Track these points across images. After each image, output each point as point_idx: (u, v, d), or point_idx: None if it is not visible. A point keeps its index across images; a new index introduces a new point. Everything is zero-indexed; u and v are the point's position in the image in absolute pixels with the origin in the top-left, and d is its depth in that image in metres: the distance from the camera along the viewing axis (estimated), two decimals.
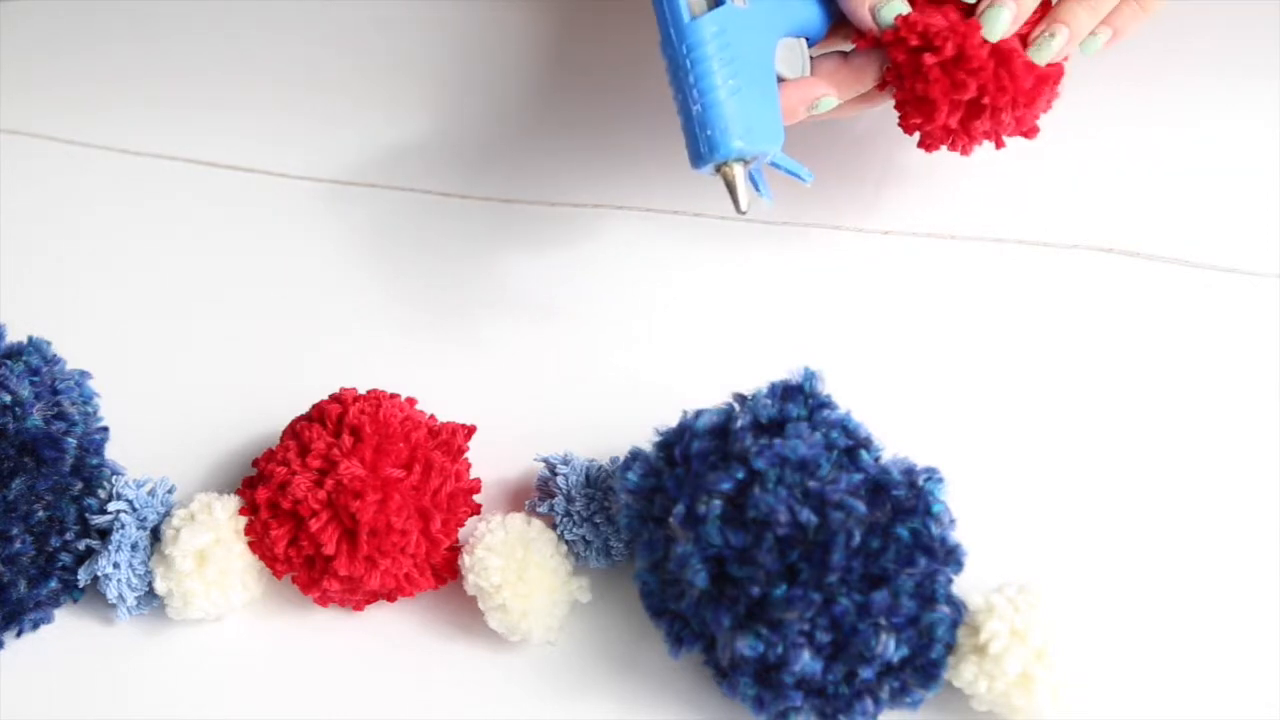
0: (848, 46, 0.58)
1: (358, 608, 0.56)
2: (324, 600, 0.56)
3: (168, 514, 0.57)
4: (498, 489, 0.59)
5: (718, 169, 0.53)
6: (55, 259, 0.68)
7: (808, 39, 0.57)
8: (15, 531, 0.55)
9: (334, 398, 0.57)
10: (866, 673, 0.50)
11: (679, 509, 0.51)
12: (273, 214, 0.69)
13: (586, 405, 0.60)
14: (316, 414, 0.57)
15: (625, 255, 0.65)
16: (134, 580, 0.56)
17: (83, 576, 0.56)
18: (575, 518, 0.56)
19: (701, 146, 0.53)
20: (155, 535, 0.56)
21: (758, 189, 0.56)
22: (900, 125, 0.58)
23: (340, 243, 0.67)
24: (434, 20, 0.75)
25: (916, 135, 0.58)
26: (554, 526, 0.56)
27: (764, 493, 0.49)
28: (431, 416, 0.58)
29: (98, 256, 0.68)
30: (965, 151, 0.59)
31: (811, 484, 0.50)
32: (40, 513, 0.56)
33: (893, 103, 0.58)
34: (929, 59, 0.55)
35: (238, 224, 0.68)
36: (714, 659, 0.52)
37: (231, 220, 0.69)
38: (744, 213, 0.53)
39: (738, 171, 0.53)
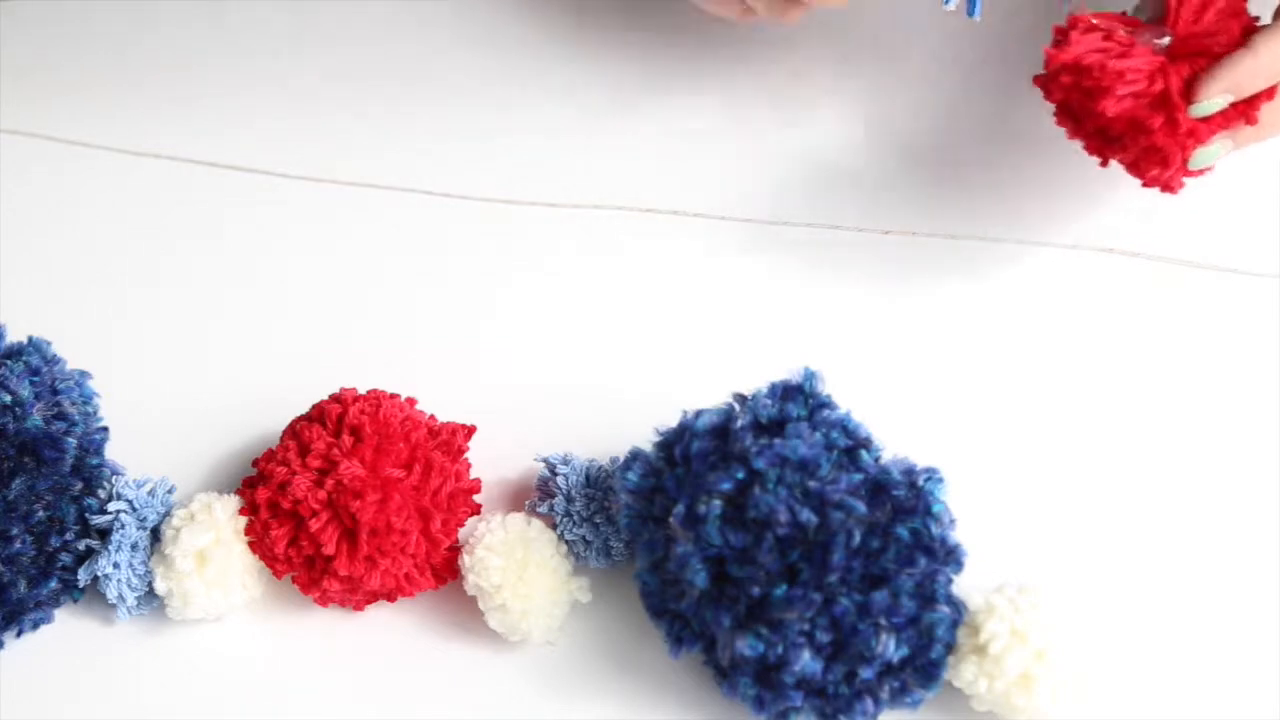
0: None
1: (358, 608, 0.57)
2: (324, 600, 0.56)
3: (168, 514, 0.57)
4: (498, 489, 0.59)
5: None
6: (55, 259, 0.68)
7: None
8: (15, 531, 0.55)
9: (334, 398, 0.57)
10: (866, 673, 0.50)
11: (679, 509, 0.51)
12: (273, 214, 0.69)
13: (586, 405, 0.60)
14: (316, 414, 0.57)
15: (626, 255, 0.65)
16: (134, 580, 0.56)
17: (83, 576, 0.56)
18: (575, 518, 0.56)
19: None
20: (155, 535, 0.56)
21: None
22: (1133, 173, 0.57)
23: (341, 243, 0.67)
24: (436, 20, 0.74)
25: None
26: (554, 526, 0.56)
27: (764, 493, 0.49)
28: (431, 416, 0.58)
29: (98, 256, 0.68)
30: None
31: (811, 484, 0.50)
32: (40, 513, 0.56)
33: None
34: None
35: (238, 224, 0.68)
36: (714, 659, 0.52)
37: (231, 220, 0.69)
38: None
39: None
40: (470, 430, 0.58)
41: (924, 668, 0.50)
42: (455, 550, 0.56)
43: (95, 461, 0.58)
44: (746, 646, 0.49)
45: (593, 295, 0.64)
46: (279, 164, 0.70)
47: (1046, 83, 0.56)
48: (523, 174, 0.68)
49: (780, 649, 0.49)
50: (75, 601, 0.58)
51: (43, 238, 0.69)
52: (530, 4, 0.74)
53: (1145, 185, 0.56)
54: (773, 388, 0.53)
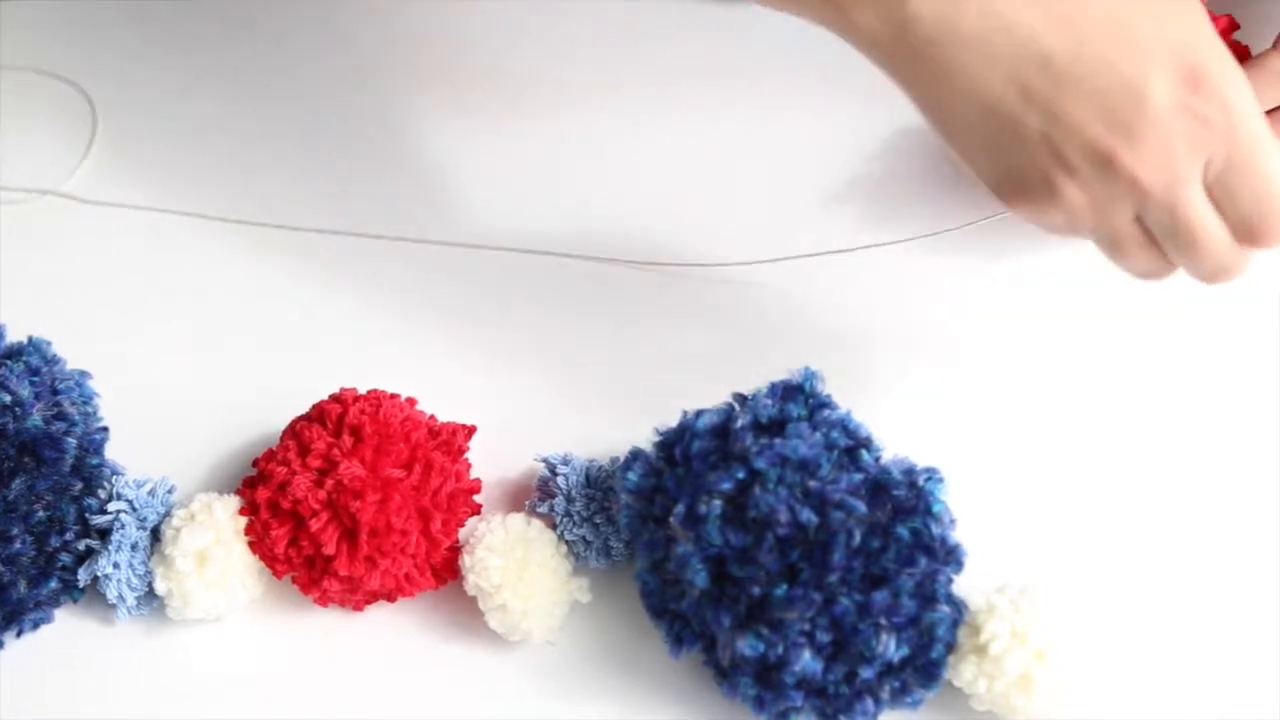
0: None
1: (358, 608, 0.56)
2: (324, 600, 0.56)
3: (168, 514, 0.56)
4: (498, 489, 0.59)
5: None
6: (55, 259, 0.68)
7: None
8: (15, 531, 0.55)
9: (334, 398, 0.57)
10: (867, 672, 0.50)
11: (679, 509, 0.51)
12: (273, 214, 0.69)
13: (587, 406, 0.60)
14: (316, 414, 0.57)
15: (626, 254, 0.65)
16: (134, 580, 0.56)
17: (83, 576, 0.56)
18: (575, 518, 0.56)
19: None
20: (155, 535, 0.56)
21: None
22: None
23: (341, 242, 0.67)
24: (434, 22, 0.75)
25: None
26: (554, 527, 0.56)
27: (764, 492, 0.49)
28: (432, 417, 0.58)
29: (97, 257, 0.68)
30: None
31: (812, 484, 0.50)
32: (40, 513, 0.56)
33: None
34: None
35: (237, 223, 0.68)
36: (714, 659, 0.52)
37: (231, 220, 0.69)
38: None
39: None
40: (470, 430, 0.58)
41: (924, 668, 0.50)
42: (455, 550, 0.56)
43: (95, 461, 0.58)
44: (747, 646, 0.49)
45: (593, 295, 0.64)
46: (279, 164, 0.70)
47: None
48: (522, 173, 0.68)
49: (780, 649, 0.49)
50: (75, 601, 0.58)
51: (43, 238, 0.69)
52: (534, 7, 0.74)
53: None
54: (773, 388, 0.53)
